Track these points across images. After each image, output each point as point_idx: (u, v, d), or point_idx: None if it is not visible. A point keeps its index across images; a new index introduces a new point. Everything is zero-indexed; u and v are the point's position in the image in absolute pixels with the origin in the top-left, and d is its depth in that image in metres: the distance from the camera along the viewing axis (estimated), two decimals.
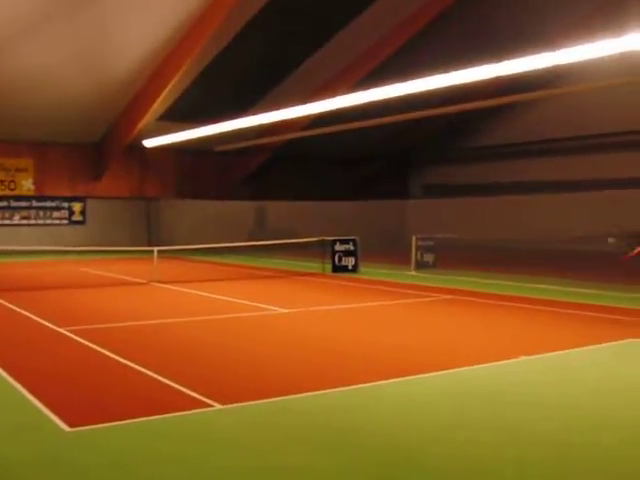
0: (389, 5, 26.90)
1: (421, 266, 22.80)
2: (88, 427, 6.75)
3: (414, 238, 23.11)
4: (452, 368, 9.10)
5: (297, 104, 24.83)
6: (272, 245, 26.33)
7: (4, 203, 33.16)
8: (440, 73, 17.75)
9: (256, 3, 24.81)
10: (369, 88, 20.42)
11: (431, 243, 23.67)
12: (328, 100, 23.12)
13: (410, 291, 17.74)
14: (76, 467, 5.85)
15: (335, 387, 8.16)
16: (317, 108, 24.34)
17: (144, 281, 19.98)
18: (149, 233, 35.32)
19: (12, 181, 33.05)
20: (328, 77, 31.01)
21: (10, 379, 8.54)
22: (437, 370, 8.99)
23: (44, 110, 29.21)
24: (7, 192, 32.96)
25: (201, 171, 36.76)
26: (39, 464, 5.91)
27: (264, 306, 15.02)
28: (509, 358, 9.63)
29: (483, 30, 28.32)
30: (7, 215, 33.36)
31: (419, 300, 16.19)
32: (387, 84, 19.45)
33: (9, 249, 29.47)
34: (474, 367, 9.19)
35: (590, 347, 10.50)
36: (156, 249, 20.91)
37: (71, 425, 6.74)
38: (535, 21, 27.58)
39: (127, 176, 35.03)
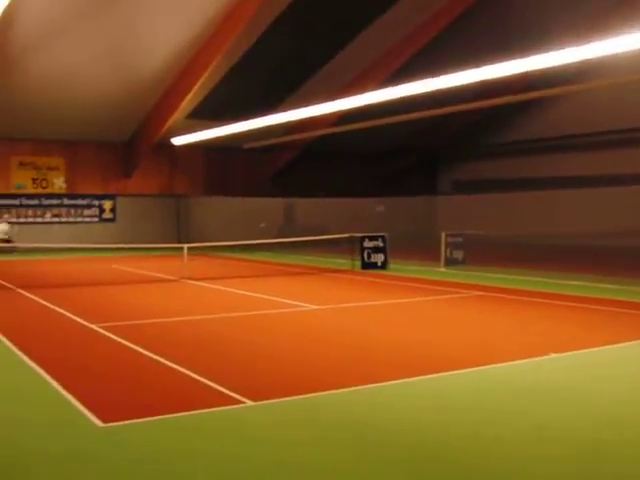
0: (416, 1, 26.81)
1: (451, 262, 22.71)
2: (121, 423, 6.83)
3: (443, 234, 23.01)
4: (482, 365, 9.06)
5: (325, 101, 24.85)
6: (301, 242, 26.37)
7: (36, 201, 33.57)
8: (468, 69, 17.69)
9: (284, 0, 24.86)
10: (397, 84, 20.39)
11: (460, 239, 23.55)
12: (357, 96, 23.09)
13: (439, 288, 17.68)
14: (109, 462, 5.92)
15: (365, 384, 8.17)
16: (345, 105, 24.32)
17: (174, 278, 20.11)
18: (179, 230, 35.53)
19: (44, 179, 33.44)
20: (356, 74, 30.98)
21: (45, 375, 8.65)
22: (467, 367, 8.96)
23: (75, 109, 29.52)
24: (39, 190, 33.37)
25: (230, 168, 36.92)
26: (73, 459, 5.99)
27: (294, 303, 15.06)
28: (539, 355, 9.58)
29: (510, 25, 28.13)
30: (39, 213, 33.76)
31: (448, 297, 16.13)
32: (415, 80, 19.41)
33: (41, 247, 29.82)
34: (504, 364, 9.16)
35: (622, 344, 10.39)
36: (186, 246, 21.02)
37: (104, 421, 6.82)
38: (562, 16, 27.33)
39: (157, 174, 35.30)
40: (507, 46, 21.70)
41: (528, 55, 16.38)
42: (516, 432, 6.56)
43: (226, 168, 36.83)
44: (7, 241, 29.39)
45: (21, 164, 32.88)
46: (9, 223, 30.93)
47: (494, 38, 27.17)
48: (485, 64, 17.14)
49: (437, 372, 8.70)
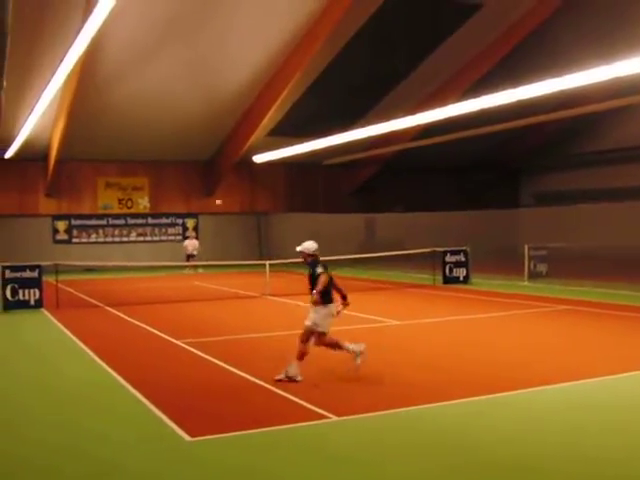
0: (496, 12, 26.52)
1: (534, 276, 22.29)
2: (208, 437, 6.92)
3: (526, 247, 22.62)
4: (575, 380, 8.87)
5: (406, 115, 24.71)
6: (383, 257, 26.27)
7: (121, 221, 34.42)
8: (549, 78, 17.36)
9: (363, 15, 24.92)
10: (478, 96, 20.16)
11: (544, 252, 23.10)
12: (438, 110, 22.81)
13: (524, 302, 17.36)
14: (197, 475, 5.99)
15: (449, 400, 8.09)
16: (426, 118, 24.10)
17: (256, 294, 20.29)
18: (260, 247, 35.88)
19: (129, 199, 34.27)
20: (436, 87, 30.80)
21: (134, 391, 8.83)
22: (560, 382, 8.78)
23: (159, 130, 30.20)
24: (124, 210, 34.20)
25: (310, 185, 37.14)
26: (162, 473, 6.09)
27: (376, 318, 15.01)
28: (629, 371, 9.30)
29: (593, 31, 27.54)
30: (124, 232, 34.58)
31: (533, 311, 15.83)
32: (496, 91, 19.15)
33: (127, 265, 30.53)
34: (593, 380, 8.93)
35: None
36: (268, 262, 21.20)
37: (192, 435, 6.92)
38: None
39: (238, 191, 35.76)
40: (590, 53, 21.25)
41: (613, 62, 15.99)
42: (608, 451, 6.37)
43: (306, 185, 37.07)
44: (193, 256, 30.53)
45: (107, 185, 33.79)
46: (196, 239, 32.32)
47: (576, 46, 26.64)
48: (568, 72, 16.78)
49: (528, 387, 8.55)
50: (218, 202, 35.28)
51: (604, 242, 31.74)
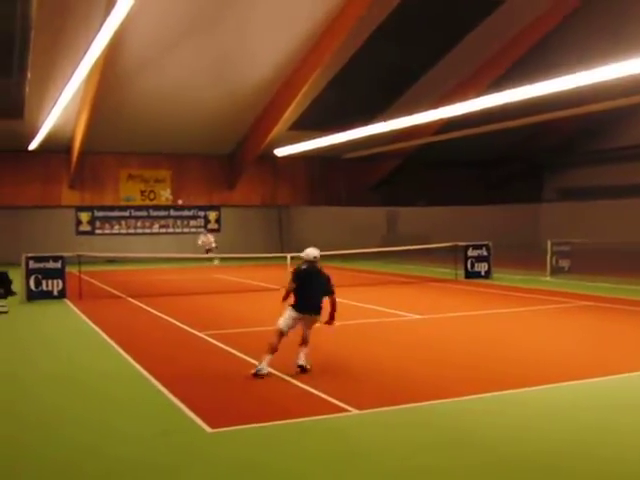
0: (518, 6, 26.34)
1: (556, 272, 22.16)
2: (229, 428, 6.95)
3: (549, 243, 22.48)
4: (590, 378, 8.82)
5: (428, 109, 24.63)
6: (404, 251, 26.21)
7: (144, 213, 34.62)
8: (574, 72, 17.21)
9: (385, 10, 24.84)
10: (501, 90, 20.04)
11: (567, 248, 22.93)
12: (460, 104, 22.73)
13: (546, 297, 17.27)
14: (218, 467, 6.03)
15: (468, 394, 8.07)
16: (448, 113, 24.03)
17: (277, 287, 20.29)
18: (281, 240, 35.93)
19: (152, 191, 34.45)
20: (458, 81, 30.66)
21: (154, 381, 8.88)
22: (574, 379, 8.73)
23: (181, 123, 30.31)
24: (147, 202, 34.40)
25: (331, 178, 37.14)
26: (185, 463, 6.13)
27: (397, 312, 15.00)
28: None
29: (617, 26, 27.27)
30: (147, 224, 34.78)
31: (555, 307, 15.75)
32: (519, 85, 19.02)
33: (149, 256, 30.69)
34: (616, 376, 8.87)
35: None
36: (289, 255, 21.21)
37: (213, 426, 6.96)
38: None
39: (259, 185, 35.85)
40: (616, 46, 21.06)
41: (636, 57, 15.84)
42: (633, 452, 6.31)
43: (328, 178, 37.08)
44: (211, 250, 30.70)
45: (130, 177, 33.98)
46: (210, 233, 32.60)
47: (605, 38, 26.37)
48: (594, 66, 16.63)
49: (548, 383, 8.51)
50: (180, 202, 34.88)
51: (627, 238, 31.48)
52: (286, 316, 9.28)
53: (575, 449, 6.34)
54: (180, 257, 31.06)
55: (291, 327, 9.28)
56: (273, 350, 9.10)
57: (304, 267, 9.59)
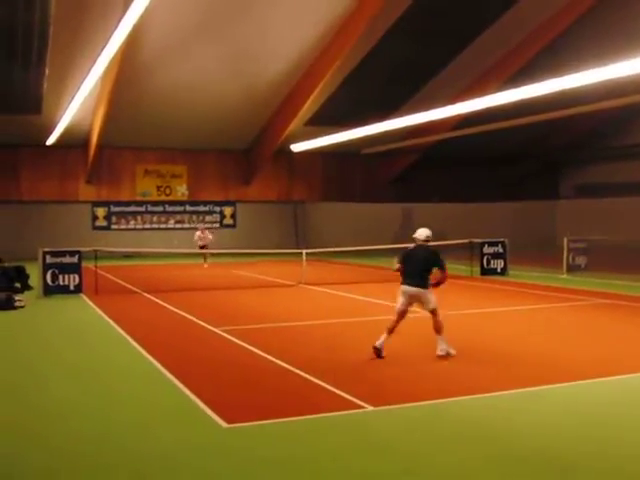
0: (534, 3, 26.17)
1: (573, 269, 22.04)
2: (245, 424, 6.97)
3: (565, 240, 22.36)
4: (608, 376, 8.78)
5: (445, 104, 24.53)
6: None
7: (160, 208, 34.71)
8: (592, 68, 17.07)
9: (401, 5, 24.75)
10: (519, 86, 19.91)
11: (583, 245, 22.80)
12: (477, 99, 22.60)
13: (562, 295, 17.19)
14: (233, 462, 6.04)
15: (484, 392, 8.06)
16: (465, 108, 23.92)
17: (293, 283, 20.34)
18: (297, 236, 35.94)
19: (167, 187, 34.54)
20: (476, 76, 30.50)
21: (171, 377, 8.91)
22: (598, 377, 8.70)
23: (198, 118, 30.36)
24: (163, 197, 34.48)
25: (347, 174, 37.09)
26: (201, 458, 6.14)
27: (412, 309, 14.92)
28: None
29: (635, 21, 27.04)
30: (163, 219, 34.88)
31: (571, 304, 15.67)
32: (536, 81, 18.90)
33: (165, 252, 30.76)
34: (635, 375, 8.82)
35: None
36: (305, 251, 21.23)
37: (229, 422, 6.97)
38: None
39: (275, 180, 35.86)
40: (630, 43, 20.88)
41: None
42: None
43: (343, 174, 37.03)
44: (206, 247, 28.19)
45: (146, 172, 34.08)
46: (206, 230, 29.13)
47: (624, 33, 26.16)
48: (612, 62, 16.48)
49: (566, 381, 8.47)
50: (176, 242, 33.28)
51: None
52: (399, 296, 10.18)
53: (593, 447, 6.31)
54: (196, 253, 31.10)
55: (404, 304, 10.19)
56: (389, 330, 9.97)
57: (410, 249, 10.45)
